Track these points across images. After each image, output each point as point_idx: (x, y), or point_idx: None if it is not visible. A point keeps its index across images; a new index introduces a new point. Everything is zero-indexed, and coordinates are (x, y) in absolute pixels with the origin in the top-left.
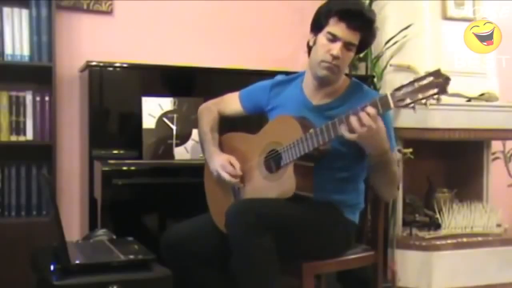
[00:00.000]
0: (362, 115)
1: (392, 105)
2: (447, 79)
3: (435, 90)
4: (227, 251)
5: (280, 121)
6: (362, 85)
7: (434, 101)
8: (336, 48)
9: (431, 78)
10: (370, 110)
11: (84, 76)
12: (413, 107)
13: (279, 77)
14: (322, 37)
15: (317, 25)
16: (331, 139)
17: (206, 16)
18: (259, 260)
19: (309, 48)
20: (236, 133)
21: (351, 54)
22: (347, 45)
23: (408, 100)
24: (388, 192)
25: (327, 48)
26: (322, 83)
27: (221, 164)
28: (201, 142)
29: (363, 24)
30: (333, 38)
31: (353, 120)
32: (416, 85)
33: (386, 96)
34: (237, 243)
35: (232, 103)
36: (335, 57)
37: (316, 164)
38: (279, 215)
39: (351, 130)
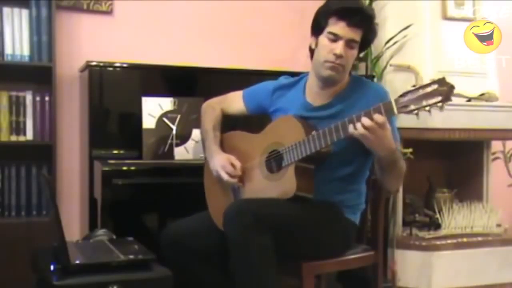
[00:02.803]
0: (367, 121)
1: (396, 111)
2: (451, 88)
3: (439, 98)
4: (226, 249)
5: (283, 122)
6: (363, 79)
7: (437, 108)
8: (339, 47)
9: (435, 86)
10: (379, 118)
11: (84, 76)
12: (417, 114)
13: (282, 80)
14: (323, 38)
15: (317, 27)
16: (333, 142)
17: (206, 16)
18: (257, 260)
19: (312, 52)
20: (238, 132)
21: (354, 52)
22: (349, 43)
23: (412, 107)
24: (394, 185)
25: (329, 48)
26: (327, 83)
27: (221, 164)
28: (203, 140)
29: (363, 20)
30: (335, 38)
31: (359, 125)
32: (421, 92)
33: (390, 102)
34: (235, 243)
35: (235, 102)
36: (338, 56)
37: (317, 166)
38: (278, 215)
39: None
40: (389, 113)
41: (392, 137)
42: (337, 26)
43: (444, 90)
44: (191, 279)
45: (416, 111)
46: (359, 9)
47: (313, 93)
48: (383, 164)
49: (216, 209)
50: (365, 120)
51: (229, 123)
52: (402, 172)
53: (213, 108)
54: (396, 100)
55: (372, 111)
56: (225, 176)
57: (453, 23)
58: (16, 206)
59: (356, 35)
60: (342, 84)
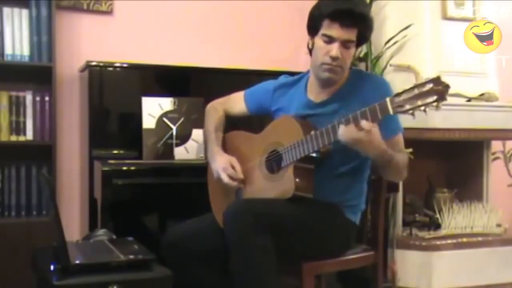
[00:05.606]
0: (357, 125)
1: (391, 111)
2: (447, 87)
3: (435, 97)
4: (227, 250)
5: (282, 122)
6: (362, 73)
7: (433, 108)
8: (334, 48)
9: (431, 85)
10: (366, 124)
11: (84, 76)
12: (412, 114)
13: (282, 79)
14: (318, 40)
15: (312, 28)
16: (331, 142)
17: (206, 16)
18: (257, 260)
19: (310, 51)
20: (240, 132)
21: (351, 51)
22: (344, 44)
23: (407, 107)
24: (396, 177)
25: (325, 50)
26: (326, 84)
27: (223, 166)
28: (205, 141)
29: (356, 19)
30: (329, 40)
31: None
32: (416, 91)
33: (385, 102)
34: (235, 243)
35: (237, 103)
36: (334, 58)
37: (316, 166)
38: (278, 215)
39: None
40: (384, 113)
41: (385, 133)
42: (330, 29)
43: (439, 89)
44: (191, 280)
45: (411, 111)
46: (352, 9)
47: (314, 91)
48: (378, 164)
49: (219, 208)
50: (351, 126)
51: (231, 122)
52: (400, 166)
53: (216, 109)
54: (391, 100)
55: (360, 116)
56: (225, 179)
57: (453, 23)
58: (16, 206)
59: (351, 35)
60: (342, 80)
